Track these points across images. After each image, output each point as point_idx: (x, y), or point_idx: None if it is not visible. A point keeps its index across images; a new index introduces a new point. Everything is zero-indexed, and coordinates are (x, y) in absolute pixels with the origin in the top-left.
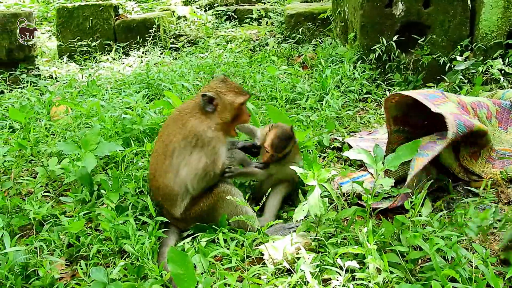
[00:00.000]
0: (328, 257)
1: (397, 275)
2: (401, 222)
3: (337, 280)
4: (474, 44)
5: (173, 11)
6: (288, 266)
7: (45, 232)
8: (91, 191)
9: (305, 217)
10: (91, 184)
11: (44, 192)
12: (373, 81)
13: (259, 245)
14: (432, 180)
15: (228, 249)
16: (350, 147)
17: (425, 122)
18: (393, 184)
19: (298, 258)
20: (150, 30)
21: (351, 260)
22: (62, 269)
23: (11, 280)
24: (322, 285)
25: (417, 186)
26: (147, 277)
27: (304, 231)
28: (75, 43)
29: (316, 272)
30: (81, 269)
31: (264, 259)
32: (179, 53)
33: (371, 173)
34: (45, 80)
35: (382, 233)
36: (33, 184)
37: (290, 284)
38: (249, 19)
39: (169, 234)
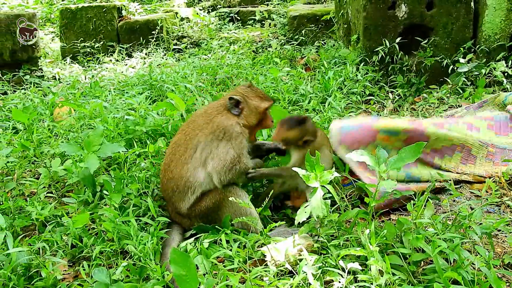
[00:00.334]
0: (330, 258)
1: (399, 277)
2: (403, 224)
3: (339, 282)
4: (477, 46)
5: (176, 13)
6: (290, 268)
7: (47, 233)
8: (94, 192)
9: (307, 218)
10: (94, 185)
11: (47, 193)
12: (376, 83)
13: (262, 246)
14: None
15: (230, 250)
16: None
17: None
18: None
19: (300, 260)
20: (153, 32)
21: (353, 262)
22: (65, 270)
23: (14, 280)
24: (324, 286)
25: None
26: (149, 278)
27: (307, 233)
28: (79, 44)
29: (318, 273)
30: (84, 270)
31: (266, 261)
32: (182, 55)
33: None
34: (48, 81)
35: (385, 235)
36: (36, 185)
37: (292, 286)
38: (252, 20)
39: (171, 235)
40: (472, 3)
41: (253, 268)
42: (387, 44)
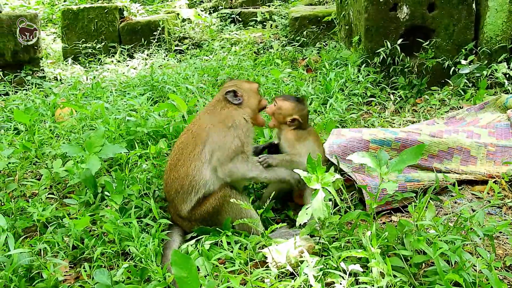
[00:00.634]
0: (332, 260)
1: (400, 279)
2: (404, 226)
3: (341, 283)
4: (479, 48)
5: (178, 14)
6: (291, 270)
7: (49, 234)
8: (95, 193)
9: (308, 220)
10: (95, 186)
11: (48, 194)
12: (377, 85)
13: (263, 248)
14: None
15: (231, 252)
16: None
17: None
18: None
19: (302, 262)
20: (155, 33)
21: (355, 264)
22: (66, 271)
23: (15, 282)
24: None
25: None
26: (150, 279)
27: (308, 235)
28: (80, 45)
29: (319, 275)
30: (85, 271)
31: (267, 263)
32: (183, 56)
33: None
34: (50, 82)
35: (386, 236)
36: (38, 186)
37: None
38: (254, 21)
39: (172, 237)
40: (473, 5)
41: (254, 270)
42: (389, 45)
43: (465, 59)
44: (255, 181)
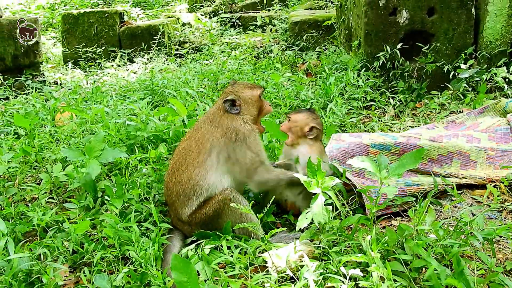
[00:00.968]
0: (332, 265)
1: (400, 284)
2: (404, 230)
3: None
4: (478, 52)
5: (178, 18)
6: (291, 274)
7: (49, 239)
8: (95, 197)
9: (308, 224)
10: (95, 190)
11: (48, 199)
12: (377, 89)
13: (263, 252)
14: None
15: (231, 256)
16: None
17: None
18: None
19: (302, 266)
20: (155, 37)
21: (355, 268)
22: (66, 276)
23: (15, 286)
24: None
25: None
26: (150, 284)
27: (308, 239)
28: (80, 50)
29: (319, 280)
30: (85, 276)
31: (267, 267)
32: (183, 60)
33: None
34: (50, 86)
35: (386, 241)
36: (37, 190)
37: None
38: (254, 26)
39: (172, 241)
40: (473, 9)
41: (254, 275)
42: (388, 50)
43: (465, 63)
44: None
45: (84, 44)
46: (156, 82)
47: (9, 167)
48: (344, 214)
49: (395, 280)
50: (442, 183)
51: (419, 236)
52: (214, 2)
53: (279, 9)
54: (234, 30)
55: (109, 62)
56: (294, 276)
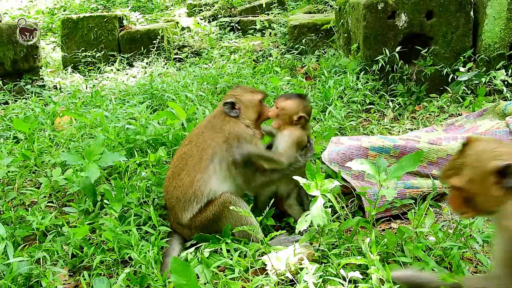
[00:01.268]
0: (331, 267)
1: (399, 286)
2: (404, 233)
3: None
4: (477, 55)
5: (177, 22)
6: (291, 277)
7: (48, 243)
8: (95, 201)
9: (308, 227)
10: (95, 194)
11: (47, 203)
12: (376, 92)
13: (262, 255)
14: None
15: (231, 259)
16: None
17: None
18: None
19: (301, 269)
20: (154, 41)
21: (354, 271)
22: (65, 280)
23: None
24: None
25: None
26: (150, 287)
27: (307, 242)
28: (80, 54)
29: (319, 282)
30: (84, 279)
31: (267, 270)
32: (182, 64)
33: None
34: (49, 90)
35: (385, 243)
36: (37, 194)
37: None
38: (253, 30)
39: (172, 244)
40: (471, 13)
41: (254, 277)
42: (387, 53)
43: (464, 66)
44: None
45: (83, 48)
46: (156, 86)
47: (9, 171)
48: (344, 216)
49: (394, 283)
50: (441, 186)
51: (419, 239)
52: (213, 6)
53: (278, 13)
54: (233, 34)
55: (108, 66)
56: (293, 279)
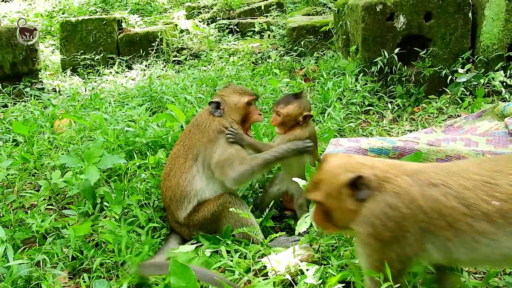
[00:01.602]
0: (331, 269)
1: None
2: None
3: None
4: (476, 57)
5: (176, 25)
6: (290, 279)
7: (48, 245)
8: (94, 204)
9: (308, 229)
10: (94, 197)
11: (47, 205)
12: (375, 94)
13: (262, 257)
14: None
15: (231, 260)
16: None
17: None
18: None
19: (301, 271)
20: (153, 44)
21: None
22: (65, 282)
23: None
24: None
25: None
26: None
27: (307, 243)
28: (79, 57)
29: (318, 284)
30: (84, 282)
31: (267, 271)
32: (181, 66)
33: None
34: (48, 93)
35: None
36: (36, 197)
37: None
38: (252, 32)
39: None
40: (470, 14)
41: (254, 279)
42: (386, 54)
43: (462, 67)
44: (261, 173)
45: (82, 51)
46: (155, 89)
47: (8, 174)
48: None
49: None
50: None
51: None
52: (212, 8)
53: (277, 15)
54: (232, 36)
55: (107, 69)
56: (293, 281)
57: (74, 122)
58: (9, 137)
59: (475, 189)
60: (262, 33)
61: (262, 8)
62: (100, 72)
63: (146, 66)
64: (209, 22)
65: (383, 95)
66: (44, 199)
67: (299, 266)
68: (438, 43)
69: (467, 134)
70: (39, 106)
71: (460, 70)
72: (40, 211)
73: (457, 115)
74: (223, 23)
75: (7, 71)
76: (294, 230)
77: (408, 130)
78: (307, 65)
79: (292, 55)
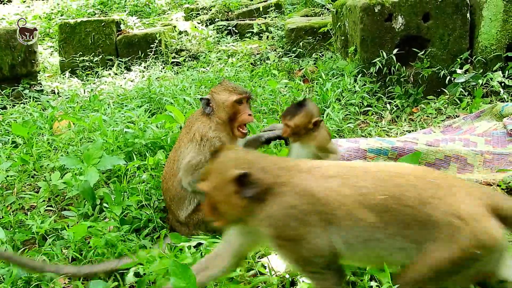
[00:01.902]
0: None
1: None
2: None
3: None
4: (474, 57)
5: (175, 26)
6: (290, 279)
7: (48, 246)
8: (94, 205)
9: None
10: (94, 198)
11: (46, 207)
12: (374, 94)
13: (262, 257)
14: None
15: None
16: None
17: None
18: None
19: None
20: (152, 45)
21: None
22: (65, 283)
23: None
24: None
25: None
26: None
27: None
28: (77, 59)
29: None
30: (82, 284)
31: (267, 271)
32: (180, 68)
33: None
34: (47, 95)
35: None
36: (36, 198)
37: None
38: (250, 33)
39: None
40: (468, 15)
41: (254, 279)
42: (384, 55)
43: (461, 68)
44: None
45: (81, 53)
46: (154, 90)
47: (8, 176)
48: None
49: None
50: None
51: None
52: (210, 10)
53: (275, 17)
54: (230, 37)
55: (106, 70)
56: (293, 281)
57: (73, 124)
58: (8, 139)
59: (371, 180)
60: (261, 35)
61: (261, 9)
62: (99, 74)
63: (145, 67)
64: (208, 24)
65: (382, 96)
66: (44, 201)
67: None
68: (436, 43)
69: (466, 134)
70: (38, 108)
71: (459, 71)
72: (40, 212)
73: (456, 116)
74: (221, 25)
75: (6, 73)
76: None
77: (407, 131)
78: (305, 66)
79: (291, 56)
